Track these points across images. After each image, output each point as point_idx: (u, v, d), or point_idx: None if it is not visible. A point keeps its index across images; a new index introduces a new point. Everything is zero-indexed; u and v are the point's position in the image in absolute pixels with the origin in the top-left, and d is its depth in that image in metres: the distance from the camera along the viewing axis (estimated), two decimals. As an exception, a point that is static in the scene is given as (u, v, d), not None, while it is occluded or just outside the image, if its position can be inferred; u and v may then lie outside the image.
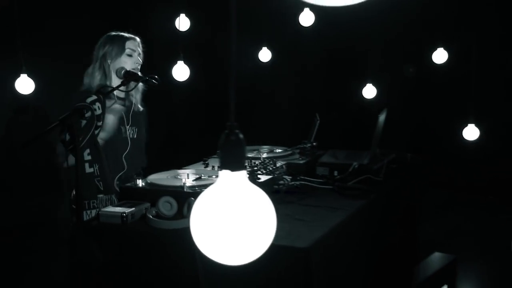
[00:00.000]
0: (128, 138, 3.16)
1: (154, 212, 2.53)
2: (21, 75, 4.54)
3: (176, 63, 4.71)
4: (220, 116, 7.09)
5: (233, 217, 1.13)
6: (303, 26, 5.61)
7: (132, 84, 3.03)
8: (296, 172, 3.12)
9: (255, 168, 2.91)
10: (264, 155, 3.28)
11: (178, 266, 2.39)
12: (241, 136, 1.16)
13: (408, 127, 6.77)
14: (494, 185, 6.24)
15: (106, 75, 3.05)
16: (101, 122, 2.64)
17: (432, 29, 6.02)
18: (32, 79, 4.55)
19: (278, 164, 3.11)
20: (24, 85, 4.57)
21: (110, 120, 2.92)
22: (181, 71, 4.73)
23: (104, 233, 2.51)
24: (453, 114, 5.88)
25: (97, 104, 2.64)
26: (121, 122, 3.16)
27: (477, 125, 5.34)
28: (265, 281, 2.29)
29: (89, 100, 2.66)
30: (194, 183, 2.66)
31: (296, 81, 6.96)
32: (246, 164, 3.03)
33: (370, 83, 5.94)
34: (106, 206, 2.71)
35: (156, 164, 3.39)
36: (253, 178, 2.75)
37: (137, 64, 3.20)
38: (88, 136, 2.57)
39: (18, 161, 5.55)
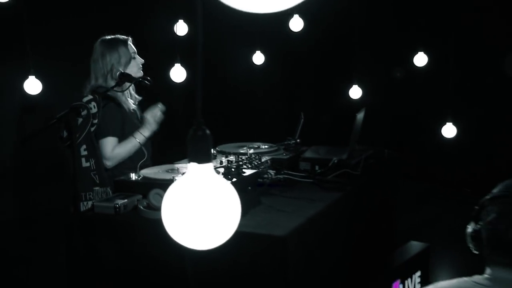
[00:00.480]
0: None
1: (145, 203, 2.56)
2: (29, 76, 4.58)
3: (173, 65, 4.76)
4: (213, 115, 7.13)
5: (199, 206, 1.16)
6: (293, 31, 5.65)
7: (127, 84, 3.09)
8: (280, 167, 3.14)
9: (240, 163, 2.93)
10: (251, 151, 3.30)
11: (167, 254, 2.40)
12: (207, 132, 1.20)
13: (392, 126, 6.82)
14: (469, 179, 6.27)
15: (115, 79, 3.11)
16: (96, 120, 2.67)
17: (413, 35, 6.05)
18: (40, 80, 4.58)
19: (263, 159, 3.13)
20: (32, 86, 4.61)
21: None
22: (178, 73, 4.76)
23: (99, 223, 2.54)
24: (432, 113, 5.91)
25: (93, 103, 2.67)
26: (136, 117, 3.31)
27: (454, 124, 5.38)
28: (246, 267, 2.32)
29: (85, 99, 2.69)
30: (181, 176, 2.69)
31: (287, 83, 6.99)
32: (232, 158, 3.06)
33: (356, 84, 5.98)
34: (101, 198, 2.75)
35: (157, 156, 3.43)
36: (238, 172, 2.78)
37: (140, 65, 3.29)
38: (85, 133, 2.61)
39: (28, 156, 5.58)
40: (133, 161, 3.23)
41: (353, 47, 6.40)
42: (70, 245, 2.51)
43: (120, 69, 3.06)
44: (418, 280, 3.43)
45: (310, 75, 6.98)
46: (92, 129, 2.66)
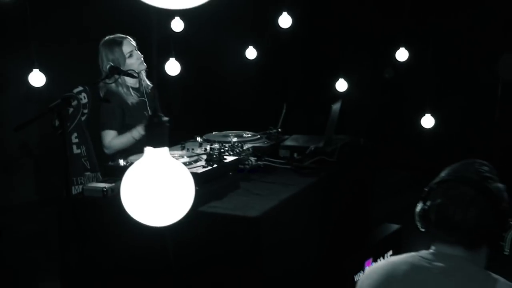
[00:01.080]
0: None
1: (131, 187, 2.58)
2: (34, 69, 4.59)
3: (168, 59, 4.77)
4: (206, 106, 7.12)
5: (153, 186, 1.18)
6: (282, 28, 5.65)
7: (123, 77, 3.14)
8: (261, 154, 3.15)
9: (222, 150, 2.94)
10: (234, 140, 3.31)
11: (150, 234, 2.42)
12: (163, 119, 1.21)
13: (375, 117, 6.83)
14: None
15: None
16: (87, 110, 2.69)
17: (395, 32, 6.05)
18: (43, 73, 4.60)
19: (245, 147, 3.15)
20: (36, 78, 4.62)
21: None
22: (172, 67, 4.77)
23: (88, 206, 2.56)
24: (413, 105, 5.93)
25: (83, 94, 2.69)
26: (145, 107, 3.39)
27: (432, 115, 5.40)
28: (223, 246, 2.35)
29: (75, 90, 2.71)
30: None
31: (277, 76, 6.98)
32: (216, 145, 3.07)
33: (342, 77, 5.99)
34: (92, 182, 2.77)
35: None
36: (219, 158, 2.79)
37: (141, 59, 3.35)
38: (75, 121, 2.62)
39: (31, 145, 5.61)
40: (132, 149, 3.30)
41: (339, 43, 6.42)
42: (61, 227, 2.54)
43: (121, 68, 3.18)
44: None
45: (298, 69, 6.99)
46: (83, 118, 2.69)
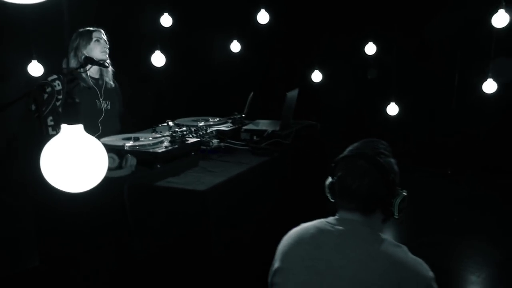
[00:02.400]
0: (103, 109, 3.37)
1: (99, 164, 2.65)
2: (32, 61, 4.65)
3: (154, 52, 4.81)
4: (189, 93, 7.13)
5: (68, 157, 1.25)
6: (260, 24, 5.70)
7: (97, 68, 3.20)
8: (223, 136, 3.21)
9: (185, 132, 3.01)
10: (201, 123, 3.38)
11: (113, 206, 2.50)
12: (76, 101, 1.29)
13: (346, 104, 6.87)
14: (411, 151, 6.35)
15: (80, 62, 3.21)
16: (61, 96, 2.75)
17: (364, 27, 6.09)
18: (41, 64, 4.66)
19: (209, 130, 3.21)
20: (35, 69, 4.69)
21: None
22: (158, 59, 4.82)
23: None
24: (379, 94, 5.99)
25: (57, 81, 2.75)
26: (95, 96, 3.35)
27: (397, 103, 5.46)
28: (177, 217, 2.41)
29: (49, 78, 2.78)
30: (132, 143, 2.78)
31: (258, 68, 7.01)
32: (184, 129, 3.13)
33: (317, 69, 6.04)
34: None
35: (133, 129, 3.52)
36: (182, 140, 2.86)
37: (106, 48, 3.39)
38: (50, 106, 2.68)
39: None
40: (106, 134, 3.35)
41: (314, 38, 6.45)
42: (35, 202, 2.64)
43: (84, 53, 3.22)
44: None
45: (278, 62, 7.02)
46: (58, 103, 2.74)
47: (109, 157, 2.62)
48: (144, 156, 2.65)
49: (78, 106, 1.28)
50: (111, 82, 3.49)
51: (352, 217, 1.72)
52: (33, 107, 2.62)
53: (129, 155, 2.63)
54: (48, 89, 2.68)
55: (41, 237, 2.76)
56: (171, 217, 2.43)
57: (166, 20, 5.58)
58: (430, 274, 1.64)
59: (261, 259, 1.85)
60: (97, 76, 3.45)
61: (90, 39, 3.29)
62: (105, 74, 3.45)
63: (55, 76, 2.78)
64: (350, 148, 1.80)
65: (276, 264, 1.79)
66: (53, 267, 2.74)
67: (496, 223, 4.78)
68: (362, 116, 6.81)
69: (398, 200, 1.72)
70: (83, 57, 3.05)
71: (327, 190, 1.82)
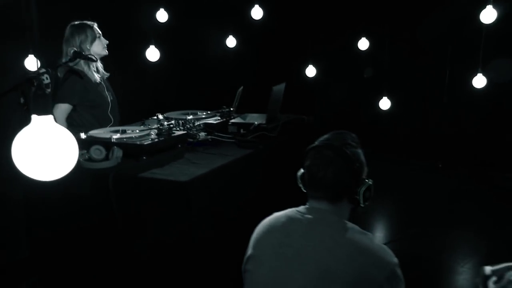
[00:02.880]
0: (109, 100, 3.51)
1: (86, 156, 2.70)
2: (29, 55, 4.69)
3: (149, 47, 4.85)
4: (184, 87, 7.13)
5: (37, 147, 1.30)
6: (254, 19, 5.73)
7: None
8: (211, 130, 3.24)
9: (172, 125, 3.04)
10: (190, 117, 3.41)
11: (100, 197, 2.53)
12: (46, 92, 1.33)
13: (338, 99, 6.90)
14: (401, 144, 6.39)
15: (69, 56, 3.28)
16: (49, 89, 2.79)
17: (357, 22, 6.11)
18: (38, 58, 4.69)
19: (197, 123, 3.25)
20: (32, 63, 4.72)
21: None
22: (152, 54, 4.85)
23: None
24: (372, 89, 6.01)
25: (46, 75, 2.79)
26: (103, 89, 3.51)
27: (389, 98, 5.49)
28: (161, 206, 2.44)
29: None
30: (119, 135, 2.82)
31: (253, 62, 7.03)
32: (172, 122, 3.16)
33: (311, 64, 6.07)
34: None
35: (128, 120, 3.58)
36: (168, 132, 2.90)
37: (104, 45, 3.48)
38: (39, 99, 2.72)
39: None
40: (101, 125, 3.43)
41: (308, 33, 6.47)
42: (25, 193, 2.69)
43: (88, 47, 3.34)
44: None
45: (272, 57, 7.04)
46: (47, 96, 2.78)
47: (96, 149, 2.69)
48: (130, 148, 2.70)
49: (49, 98, 1.32)
50: (105, 73, 3.61)
51: (320, 206, 1.77)
52: (22, 100, 2.66)
53: (115, 147, 2.67)
54: (36, 83, 2.73)
55: (31, 228, 2.80)
56: (154, 207, 2.46)
57: (162, 16, 5.63)
58: (394, 260, 1.68)
59: (242, 248, 1.88)
60: (95, 69, 3.55)
61: (95, 35, 3.39)
62: (100, 67, 3.54)
63: (44, 70, 2.81)
64: (320, 139, 1.84)
65: (249, 251, 1.84)
66: (43, 258, 2.79)
67: (485, 216, 4.83)
68: (355, 110, 6.84)
69: (363, 188, 1.76)
70: (72, 51, 3.08)
71: (299, 181, 1.87)
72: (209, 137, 3.15)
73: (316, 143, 1.82)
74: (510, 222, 4.62)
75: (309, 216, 1.76)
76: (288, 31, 6.83)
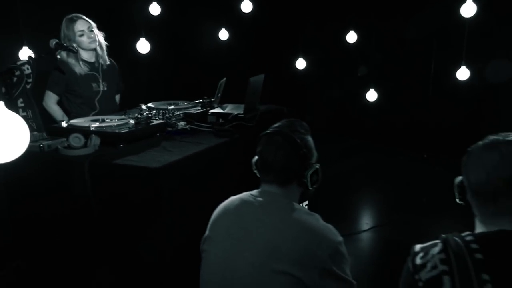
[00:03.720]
0: (100, 90, 3.67)
1: (66, 144, 2.76)
2: (23, 47, 4.74)
3: (139, 39, 4.89)
4: (176, 79, 7.15)
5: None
6: (244, 13, 5.78)
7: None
8: (191, 119, 3.28)
9: (150, 115, 3.10)
10: (172, 107, 3.47)
11: (78, 182, 2.60)
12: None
13: (329, 90, 6.94)
14: (387, 135, 6.42)
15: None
16: (30, 79, 2.85)
17: (345, 16, 6.15)
18: (32, 50, 4.74)
19: (177, 113, 3.30)
20: (25, 56, 4.77)
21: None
22: (143, 46, 4.89)
23: (28, 159, 2.73)
24: (359, 81, 6.06)
25: (26, 66, 2.85)
26: (92, 80, 3.63)
27: (375, 89, 5.54)
28: (133, 192, 2.49)
29: (19, 63, 2.87)
30: (98, 124, 2.88)
31: (245, 55, 7.07)
32: (154, 111, 3.22)
33: (301, 57, 6.10)
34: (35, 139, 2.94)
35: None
36: (146, 122, 2.97)
37: (91, 39, 3.55)
38: (20, 89, 2.78)
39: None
40: (87, 114, 3.52)
41: (298, 26, 6.49)
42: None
43: (72, 43, 3.45)
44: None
45: (263, 49, 7.07)
46: (28, 86, 2.84)
47: (75, 137, 2.75)
48: (107, 136, 2.76)
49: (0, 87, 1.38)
50: (107, 62, 3.73)
51: (270, 189, 1.84)
52: (3, 90, 2.72)
53: (93, 135, 2.74)
54: (17, 73, 2.80)
55: (13, 212, 2.88)
56: (126, 192, 2.51)
57: (154, 9, 5.68)
58: (338, 238, 1.74)
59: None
60: (92, 60, 3.66)
61: (74, 34, 3.53)
62: (100, 56, 3.67)
63: (25, 61, 2.88)
64: (272, 126, 1.90)
65: (206, 232, 1.91)
66: (25, 242, 2.85)
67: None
68: (344, 101, 6.90)
69: (310, 172, 1.83)
70: (54, 43, 3.15)
71: (253, 166, 1.93)
72: (187, 126, 3.19)
73: (268, 130, 1.89)
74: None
75: (260, 199, 1.82)
76: (277, 24, 6.87)
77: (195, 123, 3.27)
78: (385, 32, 6.01)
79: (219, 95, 3.68)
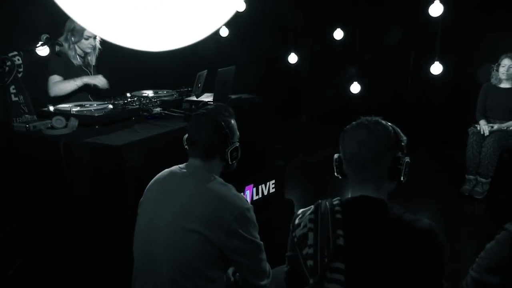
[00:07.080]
0: (90, 84, 3.75)
1: (49, 125, 2.97)
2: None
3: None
4: (179, 76, 7.29)
5: None
6: (238, 11, 5.91)
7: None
8: (167, 105, 3.42)
9: (126, 101, 3.30)
10: (151, 94, 3.65)
11: (53, 157, 2.77)
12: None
13: (316, 83, 7.04)
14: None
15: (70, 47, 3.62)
16: (21, 69, 3.06)
17: (332, 14, 6.25)
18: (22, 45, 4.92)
19: (154, 100, 3.49)
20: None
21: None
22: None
23: (16, 137, 2.94)
24: (344, 75, 6.16)
25: (17, 57, 3.07)
26: (79, 75, 3.76)
27: (359, 82, 5.65)
28: (101, 167, 2.67)
29: (10, 54, 3.10)
30: (78, 108, 3.10)
31: (243, 50, 7.20)
32: (135, 99, 3.41)
33: (293, 52, 6.24)
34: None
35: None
36: (123, 107, 3.17)
37: (91, 45, 3.75)
38: (11, 77, 3.01)
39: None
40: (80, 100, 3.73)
41: (289, 22, 6.60)
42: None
43: (73, 39, 3.61)
44: (272, 186, 3.73)
45: (258, 45, 7.20)
46: (19, 75, 3.06)
47: (57, 119, 2.96)
48: (84, 119, 2.98)
49: None
50: (93, 63, 3.89)
51: (194, 163, 2.03)
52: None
53: (72, 117, 2.96)
54: (8, 63, 3.04)
55: None
56: (96, 167, 2.68)
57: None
58: (246, 205, 1.92)
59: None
60: (82, 55, 3.84)
61: (81, 36, 3.67)
62: (89, 55, 3.83)
63: (15, 53, 3.10)
64: (201, 109, 2.09)
65: (141, 198, 2.11)
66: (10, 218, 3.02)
67: (437, 189, 5.00)
68: (330, 92, 7.01)
69: (230, 149, 2.01)
70: (44, 37, 3.37)
71: (184, 142, 2.13)
72: (162, 112, 3.36)
73: (197, 111, 2.08)
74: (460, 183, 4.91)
75: (184, 171, 2.02)
76: (271, 21, 6.99)
77: (171, 109, 3.44)
78: (367, 28, 6.10)
79: (199, 85, 3.83)
